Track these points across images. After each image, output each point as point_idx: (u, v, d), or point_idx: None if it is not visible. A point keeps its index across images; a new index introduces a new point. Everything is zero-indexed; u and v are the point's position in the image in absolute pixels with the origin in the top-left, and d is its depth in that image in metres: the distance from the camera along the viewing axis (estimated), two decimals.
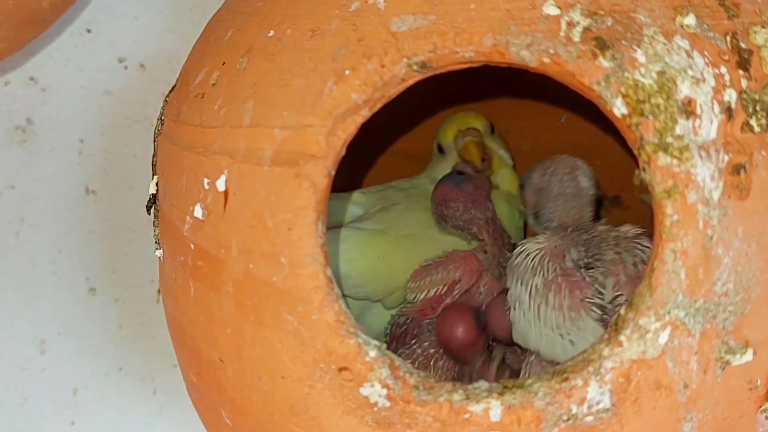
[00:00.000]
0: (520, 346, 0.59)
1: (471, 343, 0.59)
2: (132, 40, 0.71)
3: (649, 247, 0.55)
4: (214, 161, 0.46)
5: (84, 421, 0.72)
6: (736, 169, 0.41)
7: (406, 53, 0.43)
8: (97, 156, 0.72)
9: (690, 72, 0.42)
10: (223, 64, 0.48)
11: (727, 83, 0.42)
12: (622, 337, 0.41)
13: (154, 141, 0.55)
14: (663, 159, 0.41)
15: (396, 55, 0.43)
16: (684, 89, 0.41)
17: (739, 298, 0.42)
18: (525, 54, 0.42)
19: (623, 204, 0.74)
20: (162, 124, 0.54)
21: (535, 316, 0.54)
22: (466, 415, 0.41)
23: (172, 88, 0.54)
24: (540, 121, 0.74)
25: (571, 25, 0.42)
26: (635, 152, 0.42)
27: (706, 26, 0.43)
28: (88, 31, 0.71)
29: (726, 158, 0.41)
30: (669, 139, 0.41)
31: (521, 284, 0.55)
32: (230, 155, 0.45)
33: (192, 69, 0.51)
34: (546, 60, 0.42)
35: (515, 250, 0.57)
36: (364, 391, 0.42)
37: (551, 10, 0.42)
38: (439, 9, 0.43)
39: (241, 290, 0.45)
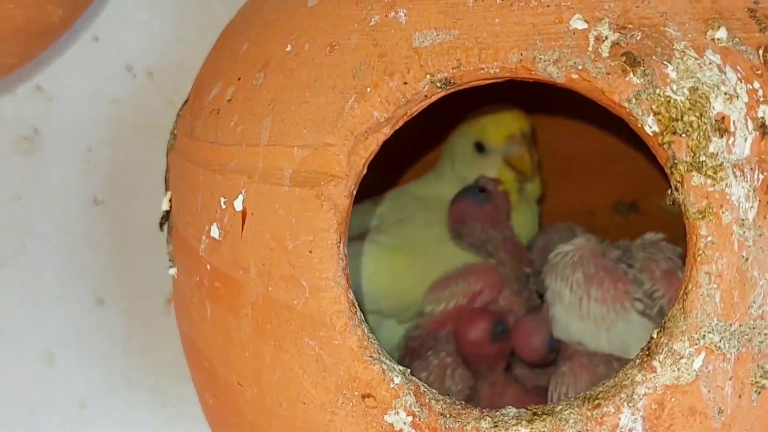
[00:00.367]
0: (541, 367, 0.59)
1: (479, 344, 0.59)
2: (139, 47, 0.70)
3: (674, 248, 0.57)
4: (231, 180, 0.45)
5: None
6: None
7: (429, 70, 0.41)
8: (104, 165, 0.71)
9: (723, 88, 0.40)
10: (239, 79, 0.47)
11: (761, 99, 0.41)
12: (655, 363, 0.40)
13: (167, 156, 0.53)
14: (697, 178, 0.40)
15: (419, 71, 0.42)
16: (717, 106, 0.40)
17: None
18: (552, 70, 0.41)
19: (640, 210, 0.73)
20: (175, 139, 0.53)
21: (577, 310, 0.55)
22: None
23: (185, 102, 0.53)
24: (556, 128, 0.73)
25: (599, 39, 0.41)
26: (667, 171, 0.40)
27: (737, 40, 0.42)
28: (96, 39, 0.70)
29: (761, 177, 0.40)
30: (702, 158, 0.40)
31: (561, 280, 0.56)
32: (248, 174, 0.44)
33: (206, 83, 0.50)
34: (574, 76, 0.41)
35: (551, 254, 0.57)
36: (389, 418, 0.41)
37: (578, 24, 0.41)
38: (463, 23, 0.42)
39: (260, 313, 0.44)
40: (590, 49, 0.41)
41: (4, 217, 0.70)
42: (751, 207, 0.40)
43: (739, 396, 0.40)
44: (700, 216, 0.40)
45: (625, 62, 0.40)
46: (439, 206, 0.64)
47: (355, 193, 0.42)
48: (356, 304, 0.42)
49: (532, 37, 0.41)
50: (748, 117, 0.41)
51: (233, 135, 0.46)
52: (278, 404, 0.44)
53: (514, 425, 0.40)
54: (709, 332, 0.40)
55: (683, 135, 0.40)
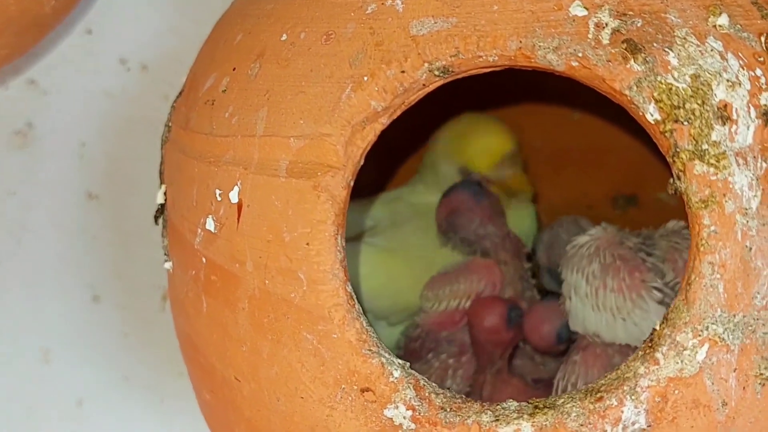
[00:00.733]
0: (547, 355, 0.59)
1: (496, 331, 0.58)
2: (133, 40, 0.69)
3: None
4: (226, 172, 0.44)
5: None
6: None
7: (427, 58, 0.41)
8: (99, 160, 0.70)
9: (725, 75, 0.40)
10: (234, 69, 0.46)
11: (763, 86, 0.40)
12: (658, 355, 0.39)
13: (162, 148, 0.53)
14: (699, 167, 0.39)
15: (417, 60, 0.41)
16: (719, 93, 0.40)
17: None
18: (552, 57, 0.40)
19: (639, 203, 0.73)
20: (169, 131, 0.52)
21: (594, 301, 0.53)
22: None
23: (180, 93, 0.52)
24: (552, 118, 0.73)
25: (599, 26, 0.40)
26: (668, 160, 0.40)
27: (739, 26, 0.41)
28: (89, 32, 0.69)
29: (764, 165, 0.40)
30: (705, 146, 0.39)
31: (577, 272, 0.54)
32: (243, 166, 0.44)
33: (200, 74, 0.49)
34: (574, 64, 0.40)
35: (568, 246, 0.56)
36: (388, 412, 0.41)
37: (578, 11, 0.40)
38: (461, 11, 0.41)
39: (257, 307, 0.43)
40: (590, 36, 0.40)
41: None
42: (755, 196, 0.39)
43: (743, 388, 0.40)
44: (703, 205, 0.39)
45: (625, 49, 0.40)
46: (430, 212, 0.63)
47: (352, 184, 0.42)
48: (354, 297, 0.41)
49: (532, 24, 0.40)
50: (750, 104, 0.40)
51: (228, 126, 0.45)
52: (276, 399, 0.43)
53: (515, 419, 0.40)
54: (712, 323, 0.39)
55: (685, 123, 0.39)
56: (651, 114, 0.39)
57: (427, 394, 0.41)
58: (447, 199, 0.62)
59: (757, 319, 0.40)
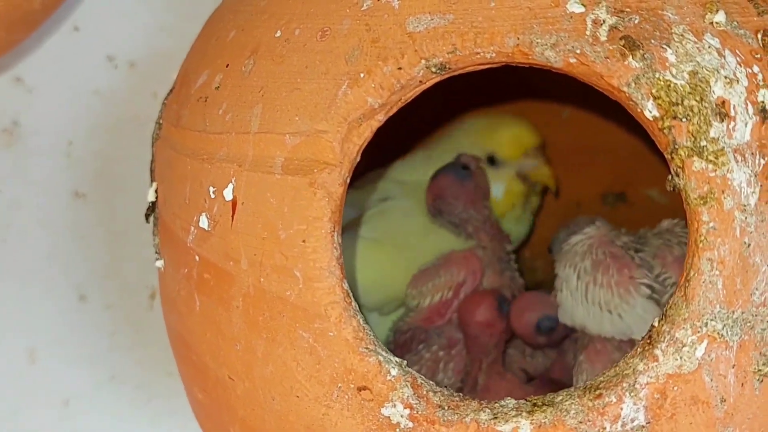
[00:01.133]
0: (531, 347, 0.59)
1: (490, 324, 0.59)
2: (121, 37, 0.69)
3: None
4: (220, 169, 0.44)
5: None
6: None
7: (424, 54, 0.41)
8: (86, 158, 0.69)
9: (723, 72, 0.40)
10: (227, 66, 0.46)
11: (761, 83, 0.40)
12: (657, 351, 0.39)
13: (152, 146, 0.52)
14: (698, 164, 0.39)
15: (413, 56, 0.41)
16: (717, 90, 0.40)
17: None
18: (550, 54, 0.40)
19: (628, 200, 0.73)
20: (160, 128, 0.51)
21: (583, 295, 0.55)
22: None
23: (171, 90, 0.52)
24: (542, 117, 0.72)
25: (597, 23, 0.40)
26: (667, 156, 0.40)
27: (736, 23, 0.41)
28: (76, 29, 0.68)
29: (762, 162, 0.40)
30: (703, 143, 0.39)
31: (569, 267, 0.56)
32: (238, 163, 0.43)
33: (192, 71, 0.49)
34: (572, 60, 0.40)
35: (564, 243, 0.58)
36: (386, 411, 0.40)
37: (576, 8, 0.40)
38: (458, 8, 0.41)
39: (251, 305, 0.43)
40: (588, 32, 0.40)
41: None
42: (753, 192, 0.39)
43: (742, 384, 0.40)
44: (702, 202, 0.39)
45: (623, 46, 0.40)
46: (420, 191, 0.63)
47: (348, 180, 0.42)
48: (351, 294, 0.41)
49: (529, 21, 0.40)
50: (748, 101, 0.40)
51: (222, 123, 0.45)
52: (271, 398, 0.43)
53: (513, 417, 0.40)
54: (711, 320, 0.39)
55: (684, 119, 0.39)
56: (649, 111, 0.39)
57: (424, 392, 0.40)
58: (434, 182, 0.62)
59: (756, 316, 0.40)
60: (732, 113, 0.40)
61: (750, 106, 0.40)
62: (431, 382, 0.41)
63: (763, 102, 0.40)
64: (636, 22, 0.40)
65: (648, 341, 0.40)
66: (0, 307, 0.69)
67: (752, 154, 0.40)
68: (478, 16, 0.41)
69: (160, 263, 0.50)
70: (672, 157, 0.39)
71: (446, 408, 0.40)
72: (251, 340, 0.43)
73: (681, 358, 0.39)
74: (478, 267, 0.61)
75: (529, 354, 0.63)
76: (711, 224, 0.39)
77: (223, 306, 0.44)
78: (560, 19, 0.40)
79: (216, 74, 0.46)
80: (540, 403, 0.40)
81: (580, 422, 0.39)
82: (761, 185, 0.40)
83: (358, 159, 0.42)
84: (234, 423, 0.46)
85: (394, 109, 0.42)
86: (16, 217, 0.69)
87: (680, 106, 0.39)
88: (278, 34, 0.44)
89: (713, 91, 0.40)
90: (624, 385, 0.39)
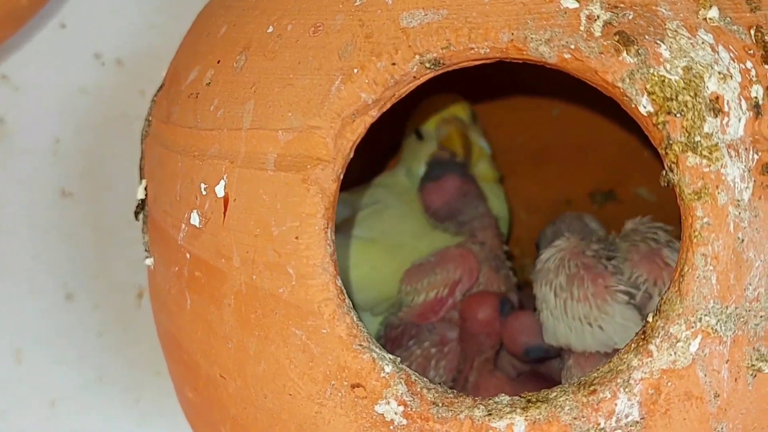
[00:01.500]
0: (527, 362, 0.59)
1: (489, 323, 0.58)
2: (108, 35, 0.69)
3: (660, 226, 0.57)
4: (211, 165, 0.44)
5: None
6: (767, 168, 0.40)
7: (418, 50, 0.40)
8: (73, 156, 0.69)
9: (716, 67, 0.40)
10: (218, 62, 0.45)
11: (754, 79, 0.40)
12: (651, 347, 0.39)
13: (141, 143, 0.52)
14: (692, 159, 0.39)
15: (407, 52, 0.40)
16: (711, 85, 0.40)
17: None
18: (544, 50, 0.40)
19: (617, 198, 0.73)
20: (149, 125, 0.51)
21: (562, 312, 0.54)
22: None
23: (160, 87, 0.51)
24: (532, 115, 0.73)
25: (591, 19, 0.40)
26: (661, 152, 0.40)
27: (729, 19, 0.41)
28: (63, 26, 0.68)
29: (755, 157, 0.40)
30: (697, 138, 0.39)
31: (545, 285, 0.55)
32: (230, 159, 0.43)
33: (182, 67, 0.48)
34: (566, 56, 0.40)
35: (537, 260, 0.57)
36: (379, 408, 0.40)
37: (570, 4, 0.40)
38: (452, 3, 0.41)
39: (243, 303, 0.42)
40: (582, 28, 0.40)
41: None
42: (747, 187, 0.39)
43: (735, 380, 0.40)
44: (696, 197, 0.39)
45: (618, 41, 0.39)
46: (408, 192, 0.63)
47: (342, 177, 0.41)
48: (344, 291, 0.41)
49: (523, 16, 0.40)
50: (741, 97, 0.40)
51: (213, 119, 0.44)
52: (263, 397, 0.43)
53: (508, 413, 0.39)
54: (705, 315, 0.39)
55: (678, 115, 0.39)
56: (644, 106, 0.39)
57: (418, 389, 0.40)
58: (437, 185, 0.61)
59: (749, 311, 0.40)
60: (726, 109, 0.40)
61: (743, 102, 0.40)
62: (425, 379, 0.41)
63: (756, 98, 0.40)
64: (630, 17, 0.40)
65: (642, 336, 0.39)
66: None
67: (746, 149, 0.40)
68: (472, 12, 0.40)
69: (149, 261, 0.50)
70: (666, 153, 0.39)
71: (440, 405, 0.40)
72: (243, 338, 0.43)
73: (675, 353, 0.39)
74: (474, 265, 0.61)
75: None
76: (705, 219, 0.39)
77: (214, 304, 0.44)
78: (554, 15, 0.40)
79: (207, 70, 0.46)
80: (534, 400, 0.40)
81: (575, 418, 0.39)
82: (755, 180, 0.40)
83: (352, 155, 0.42)
84: (225, 422, 0.45)
85: (388, 105, 0.41)
86: (2, 216, 0.68)
87: (674, 102, 0.39)
88: (270, 29, 0.44)
89: (707, 87, 0.39)
90: (618, 380, 0.39)
